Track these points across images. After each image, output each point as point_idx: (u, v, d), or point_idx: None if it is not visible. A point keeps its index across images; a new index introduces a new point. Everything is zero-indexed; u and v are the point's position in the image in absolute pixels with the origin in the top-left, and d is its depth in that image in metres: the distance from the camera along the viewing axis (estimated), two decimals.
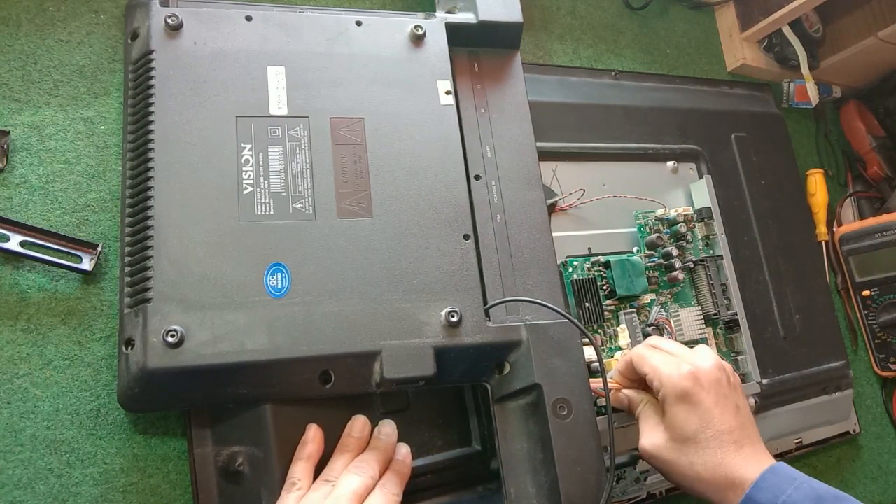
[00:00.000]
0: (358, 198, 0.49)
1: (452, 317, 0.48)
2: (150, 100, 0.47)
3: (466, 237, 0.51)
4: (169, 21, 0.49)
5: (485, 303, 0.50)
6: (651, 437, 0.49)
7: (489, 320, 0.49)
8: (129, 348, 0.43)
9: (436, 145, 0.52)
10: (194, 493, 0.46)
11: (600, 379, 0.51)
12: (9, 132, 0.49)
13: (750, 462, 0.46)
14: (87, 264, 0.48)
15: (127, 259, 0.46)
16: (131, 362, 0.43)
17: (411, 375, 0.46)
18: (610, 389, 0.53)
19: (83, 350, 0.48)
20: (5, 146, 0.49)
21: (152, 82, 0.47)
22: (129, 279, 0.45)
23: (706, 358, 0.50)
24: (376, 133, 0.51)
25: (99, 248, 0.49)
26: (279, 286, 0.45)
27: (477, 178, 0.54)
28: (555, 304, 0.50)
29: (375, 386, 0.46)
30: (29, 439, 0.45)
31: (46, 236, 0.48)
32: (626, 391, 0.53)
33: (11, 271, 0.47)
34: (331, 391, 0.45)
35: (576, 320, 0.50)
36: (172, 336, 0.42)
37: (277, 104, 0.50)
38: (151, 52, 0.48)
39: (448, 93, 0.54)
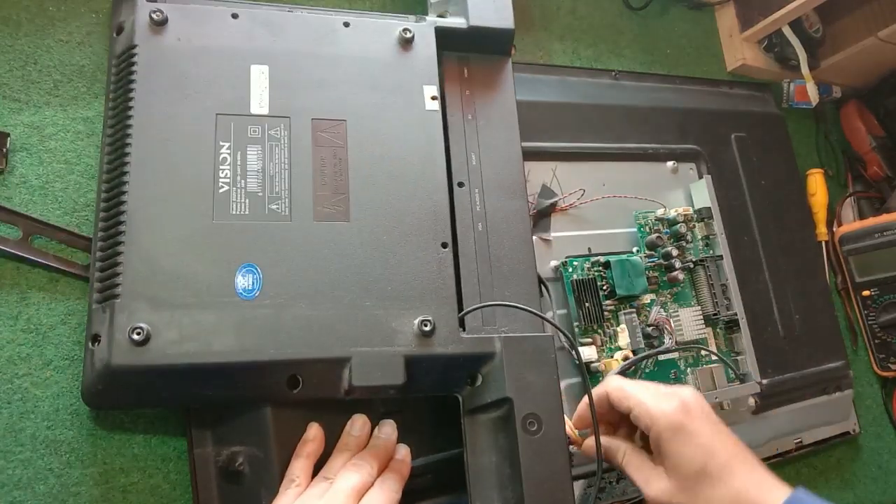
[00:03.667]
0: (336, 201, 0.48)
1: (425, 326, 0.46)
2: (131, 94, 0.46)
3: (444, 245, 0.50)
4: (154, 16, 0.48)
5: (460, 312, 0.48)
6: (655, 484, 0.45)
7: (463, 331, 0.48)
8: (95, 344, 0.43)
9: (418, 151, 0.51)
10: (194, 493, 0.46)
11: (582, 414, 0.49)
12: (8, 134, 0.49)
13: (764, 486, 0.43)
14: None
15: (98, 254, 0.45)
16: (96, 358, 0.42)
17: (380, 384, 0.45)
18: (573, 443, 0.49)
19: (83, 350, 0.48)
20: (5, 148, 0.49)
21: (133, 77, 0.47)
22: (99, 274, 0.44)
23: (684, 388, 0.47)
24: (358, 136, 0.50)
25: None
26: (249, 287, 0.45)
27: (460, 185, 0.53)
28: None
29: (344, 393, 0.45)
30: (29, 439, 0.45)
31: None
32: (604, 439, 0.49)
33: (11, 271, 0.47)
34: (298, 396, 0.45)
35: (556, 323, 0.48)
36: (139, 334, 0.41)
37: (259, 103, 0.49)
38: (134, 46, 0.48)
39: (434, 98, 0.53)
